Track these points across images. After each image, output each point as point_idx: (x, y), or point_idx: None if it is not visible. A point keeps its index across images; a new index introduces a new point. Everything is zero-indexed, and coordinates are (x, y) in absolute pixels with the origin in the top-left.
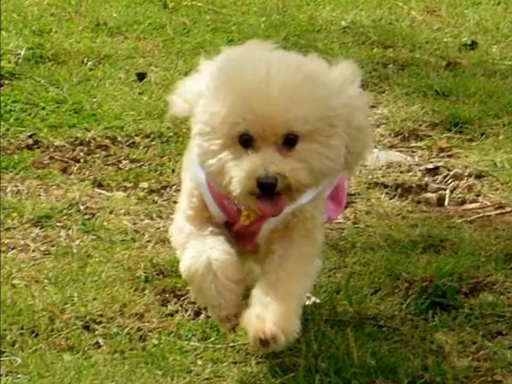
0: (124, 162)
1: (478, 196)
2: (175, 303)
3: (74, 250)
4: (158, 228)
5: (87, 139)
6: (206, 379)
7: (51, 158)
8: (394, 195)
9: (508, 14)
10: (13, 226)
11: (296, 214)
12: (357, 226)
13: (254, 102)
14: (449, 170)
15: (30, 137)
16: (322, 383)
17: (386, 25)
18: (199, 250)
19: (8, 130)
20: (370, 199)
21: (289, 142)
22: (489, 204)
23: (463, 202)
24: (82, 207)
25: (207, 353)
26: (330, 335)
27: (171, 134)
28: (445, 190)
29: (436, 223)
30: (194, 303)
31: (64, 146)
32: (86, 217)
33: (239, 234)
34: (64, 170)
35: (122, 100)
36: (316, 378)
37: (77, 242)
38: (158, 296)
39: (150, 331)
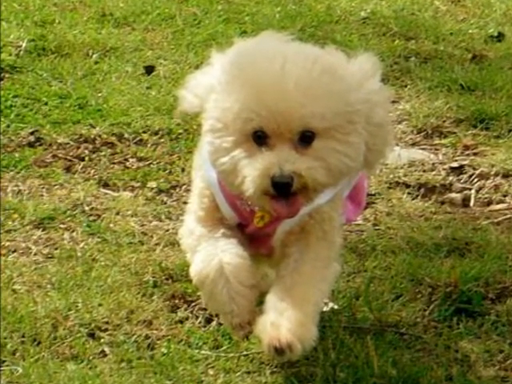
0: (131, 160)
1: (505, 196)
2: (185, 309)
3: (79, 254)
4: (167, 230)
5: (92, 136)
6: None
7: (54, 156)
8: (417, 195)
9: None
10: (14, 228)
11: (313, 215)
12: (377, 227)
13: (268, 97)
14: (474, 169)
15: (32, 134)
16: None
17: (408, 15)
18: (210, 254)
19: (9, 126)
20: (391, 199)
21: (305, 139)
22: None
23: (489, 203)
24: (86, 208)
25: (219, 362)
26: (349, 343)
27: (181, 131)
28: (470, 189)
29: (461, 225)
30: (205, 309)
31: (68, 143)
32: (91, 218)
33: (253, 236)
34: (68, 169)
35: (128, 95)
36: None
37: (81, 245)
38: (167, 302)
39: (158, 339)
